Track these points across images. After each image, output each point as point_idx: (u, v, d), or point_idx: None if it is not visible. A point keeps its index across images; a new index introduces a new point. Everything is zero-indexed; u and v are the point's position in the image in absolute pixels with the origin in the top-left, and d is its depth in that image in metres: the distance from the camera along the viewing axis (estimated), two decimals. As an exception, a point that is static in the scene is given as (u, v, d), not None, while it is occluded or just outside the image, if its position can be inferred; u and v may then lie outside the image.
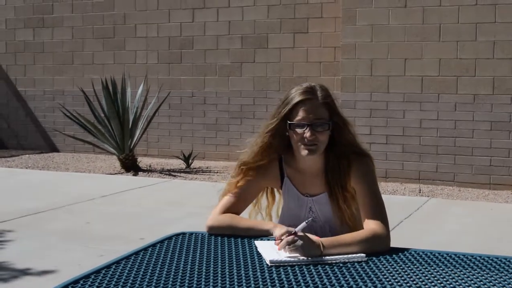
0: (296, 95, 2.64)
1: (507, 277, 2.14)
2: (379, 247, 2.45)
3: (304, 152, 2.64)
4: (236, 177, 2.80)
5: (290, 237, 2.34)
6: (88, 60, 11.47)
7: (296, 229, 2.38)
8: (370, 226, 2.53)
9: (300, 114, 2.61)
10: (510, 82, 8.09)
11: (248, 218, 2.84)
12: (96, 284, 2.08)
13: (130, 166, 9.76)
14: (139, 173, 9.60)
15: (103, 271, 2.21)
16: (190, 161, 10.08)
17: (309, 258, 2.30)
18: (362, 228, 2.57)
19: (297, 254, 2.30)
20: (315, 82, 2.77)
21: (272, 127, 2.70)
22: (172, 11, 10.72)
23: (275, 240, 2.47)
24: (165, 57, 10.86)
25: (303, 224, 2.40)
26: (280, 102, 2.71)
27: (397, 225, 6.04)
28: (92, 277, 2.15)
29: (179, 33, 10.69)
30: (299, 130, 2.62)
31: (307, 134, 2.59)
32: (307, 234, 2.38)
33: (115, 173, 9.62)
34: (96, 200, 7.45)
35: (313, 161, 2.71)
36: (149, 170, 9.79)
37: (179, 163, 10.35)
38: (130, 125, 9.77)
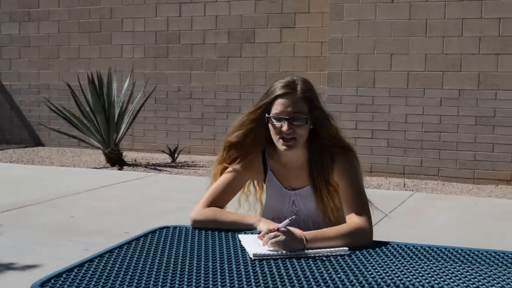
0: (276, 89, 2.65)
1: (488, 270, 2.15)
2: (361, 241, 2.45)
3: (282, 146, 2.65)
4: (221, 161, 2.81)
5: (273, 233, 2.34)
6: (74, 54, 11.42)
7: (279, 226, 2.38)
8: (353, 220, 2.54)
9: (278, 108, 2.62)
10: (495, 78, 8.13)
11: (237, 205, 2.84)
12: (79, 277, 2.07)
13: (116, 160, 9.73)
14: (125, 167, 9.57)
15: (86, 265, 2.20)
16: (175, 155, 10.06)
17: (293, 252, 2.30)
18: (345, 222, 2.58)
19: (280, 249, 2.30)
20: (301, 76, 2.77)
21: (254, 117, 2.71)
22: (159, 5, 10.69)
23: (258, 233, 2.48)
24: (152, 52, 10.83)
25: (287, 221, 2.40)
26: (262, 96, 2.72)
27: (381, 219, 6.06)
28: (75, 270, 2.14)
29: (166, 27, 10.67)
30: (277, 124, 2.62)
31: (284, 127, 2.60)
32: (289, 228, 2.38)
33: (100, 168, 9.59)
34: (81, 194, 7.43)
35: (295, 154, 2.71)
36: (135, 165, 9.76)
37: (165, 158, 10.33)
38: (115, 120, 9.74)
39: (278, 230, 2.35)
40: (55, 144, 11.73)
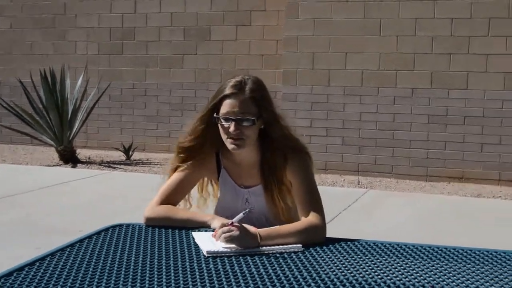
0: (225, 88, 2.63)
1: (438, 265, 2.18)
2: (315, 238, 2.47)
3: (230, 146, 2.64)
4: (174, 163, 2.81)
5: (226, 228, 2.34)
6: (27, 50, 11.25)
7: (233, 220, 2.39)
8: (307, 217, 2.55)
9: (226, 108, 2.61)
10: (447, 77, 8.25)
11: (194, 205, 2.84)
12: (30, 276, 2.04)
13: (69, 158, 9.61)
14: (78, 165, 9.47)
15: (37, 263, 2.17)
16: (130, 153, 9.99)
17: (247, 249, 2.30)
18: (296, 221, 2.60)
19: (234, 245, 2.31)
20: (252, 75, 2.76)
21: (204, 118, 2.70)
22: (114, 1, 10.60)
23: (212, 231, 2.48)
24: (106, 48, 10.73)
25: (240, 215, 2.41)
26: (213, 94, 2.71)
27: (336, 216, 6.10)
28: (26, 269, 2.11)
29: (121, 24, 10.58)
30: (224, 124, 2.61)
31: (231, 128, 2.59)
32: (244, 224, 2.39)
33: (54, 165, 9.47)
34: (34, 192, 7.32)
35: (247, 153, 2.71)
36: (88, 162, 9.67)
37: (119, 155, 10.25)
38: (69, 117, 9.63)
39: (232, 224, 2.35)
40: (7, 141, 11.54)
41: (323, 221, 2.56)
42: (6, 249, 5.03)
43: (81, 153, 10.21)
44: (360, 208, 6.81)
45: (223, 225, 2.37)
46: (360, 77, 8.63)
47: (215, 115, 2.64)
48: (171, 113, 10.39)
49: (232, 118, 2.59)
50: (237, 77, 2.68)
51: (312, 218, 2.54)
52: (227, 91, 2.61)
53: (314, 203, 2.61)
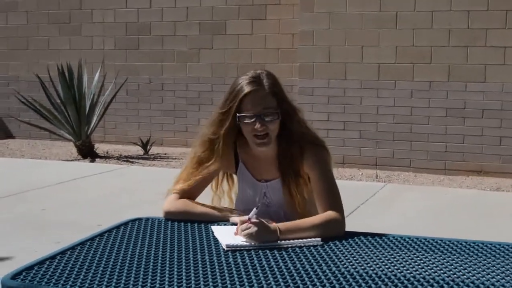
0: (243, 86, 2.61)
1: (459, 259, 2.17)
2: (334, 231, 2.47)
3: (257, 144, 2.65)
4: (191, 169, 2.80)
5: (244, 225, 2.35)
6: (43, 45, 11.30)
7: (249, 215, 2.39)
8: (326, 211, 2.55)
9: (248, 106, 2.60)
10: (465, 69, 8.20)
11: (207, 203, 2.84)
12: (51, 270, 2.06)
13: (87, 152, 9.66)
14: (96, 159, 9.51)
15: (58, 257, 2.19)
16: (148, 147, 10.02)
17: (266, 243, 2.31)
18: (313, 215, 2.59)
19: (253, 241, 2.31)
20: (263, 69, 2.75)
21: (226, 126, 2.67)
22: (129, -4, 10.62)
23: (231, 225, 2.49)
24: (122, 43, 10.76)
25: (254, 210, 2.41)
26: (227, 93, 2.68)
27: (354, 210, 6.09)
28: (47, 263, 2.13)
29: (136, 18, 10.60)
30: (248, 122, 2.61)
31: (257, 125, 2.58)
32: (262, 220, 2.39)
33: (72, 160, 9.52)
34: (52, 187, 7.37)
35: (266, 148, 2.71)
36: (107, 157, 9.71)
37: (137, 150, 10.28)
38: (86, 112, 9.67)
39: (250, 221, 2.35)
40: (26, 136, 11.61)
41: (342, 215, 2.56)
42: (25, 243, 5.07)
43: (99, 148, 10.25)
44: (378, 202, 6.79)
45: (242, 222, 2.37)
46: (376, 70, 8.59)
47: (238, 115, 2.62)
48: (188, 107, 10.40)
49: (257, 114, 2.58)
50: (249, 73, 2.67)
51: (331, 212, 2.54)
52: (246, 88, 2.60)
53: (332, 197, 2.60)
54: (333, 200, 2.59)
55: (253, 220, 2.35)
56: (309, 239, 2.36)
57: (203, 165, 2.77)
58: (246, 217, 2.40)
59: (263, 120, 2.58)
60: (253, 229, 2.31)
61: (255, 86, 2.60)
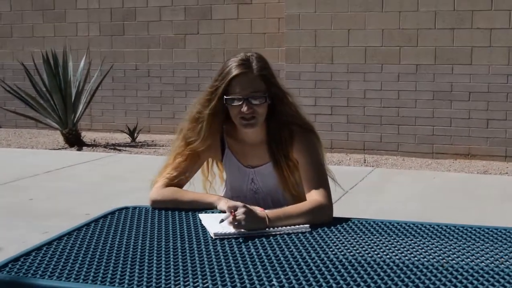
0: (231, 68, 2.60)
1: (448, 244, 2.17)
2: (322, 217, 2.46)
3: (243, 126, 2.63)
4: (178, 147, 2.78)
5: (240, 211, 2.32)
6: (27, 32, 11.21)
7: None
8: (314, 197, 2.54)
9: (236, 89, 2.59)
10: (451, 52, 8.20)
11: (200, 190, 2.83)
12: (37, 261, 2.04)
13: (74, 141, 9.62)
14: (83, 148, 9.47)
15: (45, 248, 2.17)
16: (135, 135, 9.99)
17: (254, 230, 2.30)
18: (305, 198, 2.59)
19: (242, 230, 2.29)
20: (254, 52, 2.74)
21: (208, 99, 2.67)
22: (114, -18, 10.54)
23: (219, 213, 2.48)
24: (107, 29, 10.69)
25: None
26: (216, 74, 2.67)
27: (342, 195, 6.10)
28: (33, 254, 2.11)
29: (121, 4, 10.53)
30: (236, 105, 2.60)
31: (244, 108, 2.57)
32: (251, 207, 2.37)
33: (59, 148, 9.47)
34: (39, 176, 7.33)
35: (254, 132, 2.70)
36: (94, 145, 9.67)
37: (124, 137, 10.25)
38: (72, 99, 9.61)
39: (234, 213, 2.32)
40: (12, 126, 11.54)
41: (330, 201, 2.55)
42: (12, 233, 5.05)
43: (86, 136, 10.21)
44: (366, 187, 6.80)
45: (230, 209, 2.34)
46: (363, 54, 8.59)
47: (225, 97, 2.61)
48: (175, 93, 10.37)
49: (244, 97, 2.57)
50: (240, 56, 2.65)
51: (318, 197, 2.53)
52: (235, 71, 2.59)
53: (320, 182, 2.59)
54: (321, 185, 2.58)
55: (240, 209, 2.32)
56: (297, 226, 2.35)
57: (189, 145, 2.74)
58: (235, 203, 2.38)
59: (250, 103, 2.57)
60: (241, 216, 2.30)
61: (244, 69, 2.59)
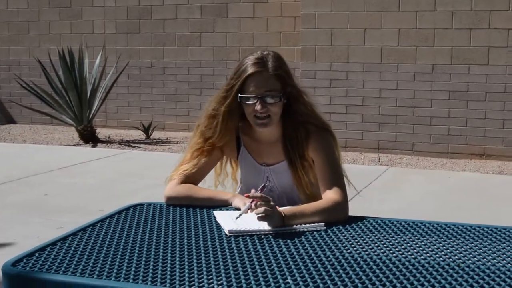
0: (247, 67, 2.60)
1: (463, 243, 2.16)
2: (338, 216, 2.45)
3: (257, 124, 2.64)
4: (194, 144, 2.78)
5: (258, 200, 2.34)
6: (44, 29, 11.26)
7: (253, 193, 2.38)
8: (329, 195, 2.53)
9: (251, 87, 2.58)
10: (468, 52, 8.16)
11: (211, 188, 2.83)
12: (52, 256, 2.04)
13: (89, 137, 9.65)
14: (98, 144, 9.50)
15: (59, 243, 2.17)
16: (149, 132, 10.01)
17: (268, 227, 2.29)
18: (319, 197, 2.58)
19: (256, 224, 2.29)
20: (271, 50, 2.73)
21: (224, 97, 2.66)
22: (130, -21, 10.56)
23: (233, 210, 2.48)
24: (123, 27, 10.71)
25: (261, 187, 2.42)
26: (232, 72, 2.67)
27: (356, 194, 6.08)
28: (48, 249, 2.11)
29: (138, 2, 10.54)
30: (250, 103, 2.60)
31: (258, 107, 2.57)
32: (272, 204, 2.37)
33: (74, 145, 9.50)
34: (54, 172, 7.36)
35: (270, 130, 2.69)
36: (108, 141, 9.69)
37: (139, 134, 10.27)
38: (88, 96, 9.64)
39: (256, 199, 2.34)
40: (27, 122, 11.60)
41: (346, 199, 2.54)
42: (27, 229, 5.07)
43: (101, 133, 10.24)
44: (380, 186, 6.77)
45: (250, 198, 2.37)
46: (379, 53, 8.55)
47: (239, 95, 2.61)
48: (190, 91, 10.37)
49: (258, 96, 2.57)
50: (256, 54, 2.64)
51: (334, 196, 2.52)
52: (250, 69, 2.58)
53: (336, 181, 2.59)
54: (337, 184, 2.57)
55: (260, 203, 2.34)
56: (312, 224, 2.34)
57: (206, 141, 2.74)
58: (248, 200, 2.39)
59: (264, 102, 2.57)
60: (261, 209, 2.30)
61: (259, 67, 2.58)
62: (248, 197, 2.39)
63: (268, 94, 2.57)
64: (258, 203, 2.33)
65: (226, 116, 2.68)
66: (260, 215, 2.30)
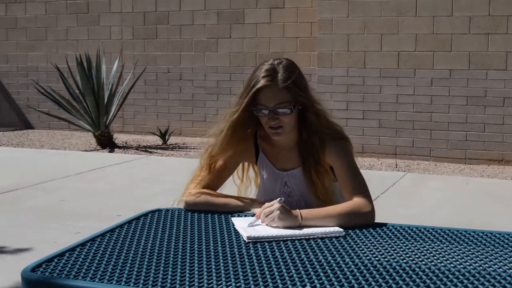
0: (258, 80, 2.59)
1: (484, 250, 2.14)
2: (364, 219, 2.47)
3: (271, 134, 2.66)
4: (204, 166, 2.79)
5: (268, 209, 2.35)
6: (62, 35, 11.32)
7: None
8: (355, 199, 2.53)
9: (262, 100, 2.59)
10: (485, 57, 8.12)
11: (235, 193, 2.84)
12: (71, 261, 2.04)
13: (106, 142, 9.68)
14: (115, 149, 9.53)
15: (78, 249, 2.17)
16: (166, 137, 10.03)
17: (287, 233, 2.28)
18: (335, 204, 2.58)
19: (274, 230, 2.30)
20: (283, 58, 2.71)
21: (236, 117, 2.65)
22: (147, -14, 10.60)
23: (252, 216, 2.47)
24: (140, 33, 10.75)
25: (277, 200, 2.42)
26: (246, 82, 2.66)
27: (374, 199, 6.05)
28: (67, 255, 2.11)
29: (154, 8, 10.58)
30: (262, 115, 2.61)
31: (270, 119, 2.59)
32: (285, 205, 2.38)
33: (91, 150, 9.54)
34: (71, 177, 7.39)
35: (285, 137, 2.70)
36: (125, 147, 9.72)
37: (156, 140, 10.30)
38: (105, 102, 9.68)
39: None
40: (45, 127, 11.66)
41: (371, 204, 2.54)
42: (45, 234, 5.08)
43: (118, 138, 10.28)
44: (398, 192, 6.74)
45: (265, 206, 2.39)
46: (396, 58, 8.53)
47: (252, 108, 2.61)
48: (207, 97, 10.39)
49: (269, 109, 2.58)
50: (267, 64, 2.63)
51: (359, 199, 2.53)
52: (260, 83, 2.58)
53: (359, 186, 2.59)
54: (361, 188, 2.58)
55: (276, 205, 2.35)
56: (331, 230, 2.33)
57: (212, 157, 2.76)
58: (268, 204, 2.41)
59: (276, 114, 2.58)
60: (276, 213, 2.32)
61: (268, 81, 2.57)
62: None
63: (278, 106, 2.58)
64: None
65: (237, 126, 2.68)
66: (270, 221, 2.33)
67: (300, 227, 2.34)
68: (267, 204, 2.41)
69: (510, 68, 8.04)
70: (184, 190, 2.79)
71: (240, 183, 2.92)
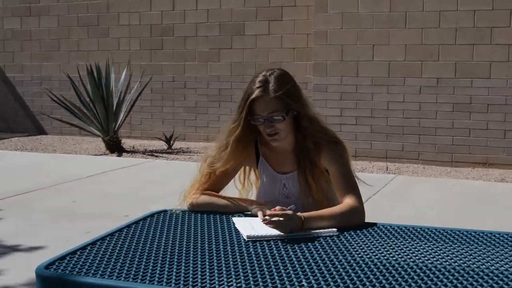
0: (251, 92, 2.61)
1: (469, 248, 2.15)
2: (354, 220, 2.47)
3: (269, 141, 2.69)
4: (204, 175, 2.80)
5: (273, 213, 2.34)
6: (73, 47, 11.34)
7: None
8: (346, 201, 2.55)
9: (257, 110, 2.62)
10: (471, 67, 8.13)
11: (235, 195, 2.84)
12: (82, 259, 2.06)
13: (115, 147, 9.69)
14: (123, 154, 9.53)
15: (89, 247, 2.19)
16: (171, 142, 10.03)
17: (285, 233, 2.29)
18: (328, 205, 2.60)
19: (280, 231, 2.30)
20: (276, 69, 2.72)
21: (239, 133, 2.67)
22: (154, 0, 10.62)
23: (251, 216, 2.48)
24: (147, 44, 10.77)
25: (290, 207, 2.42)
26: (242, 96, 2.67)
27: (366, 200, 6.05)
28: (78, 253, 2.13)
29: (160, 21, 10.60)
30: (259, 124, 2.65)
31: (266, 127, 2.63)
32: (285, 208, 2.38)
33: (101, 154, 9.55)
34: (82, 180, 7.39)
35: (283, 142, 2.72)
36: (133, 151, 9.73)
37: (161, 144, 10.30)
38: (114, 109, 9.70)
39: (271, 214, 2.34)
40: (57, 133, 11.67)
41: (361, 204, 2.56)
42: (57, 233, 5.09)
43: (126, 143, 10.28)
44: (389, 193, 6.75)
45: (265, 215, 2.38)
46: (387, 68, 8.54)
47: (249, 118, 2.64)
48: (209, 104, 10.40)
49: (263, 118, 2.61)
50: (261, 76, 2.65)
51: (351, 201, 2.54)
52: (253, 95, 2.60)
53: (351, 188, 2.61)
54: (352, 190, 2.59)
55: (278, 212, 2.34)
56: (325, 230, 2.35)
57: (213, 166, 2.77)
58: (266, 206, 2.41)
59: (270, 122, 2.61)
60: (279, 219, 2.31)
61: (260, 92, 2.60)
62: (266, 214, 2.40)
63: (271, 115, 2.60)
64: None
65: (239, 132, 2.69)
66: (272, 224, 2.32)
67: (302, 230, 2.34)
68: (278, 207, 2.41)
69: (494, 76, 8.05)
70: (186, 193, 2.80)
71: (242, 188, 2.93)
